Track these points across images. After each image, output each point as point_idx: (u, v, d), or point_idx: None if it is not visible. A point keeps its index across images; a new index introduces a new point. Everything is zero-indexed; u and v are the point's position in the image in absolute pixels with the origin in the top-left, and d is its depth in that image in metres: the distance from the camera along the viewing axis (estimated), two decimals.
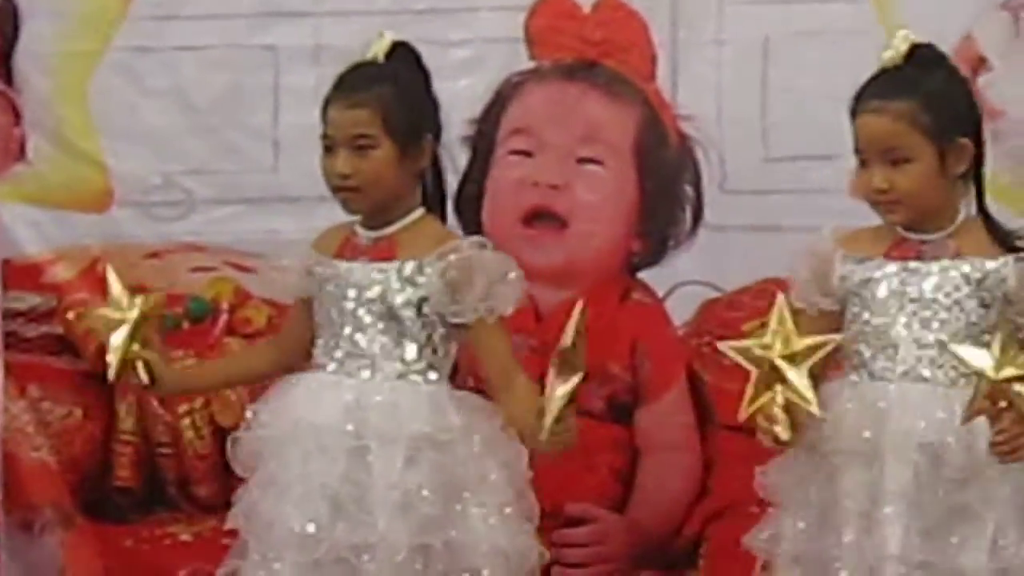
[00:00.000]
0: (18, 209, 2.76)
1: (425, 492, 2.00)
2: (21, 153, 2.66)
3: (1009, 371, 1.66)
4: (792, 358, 1.86)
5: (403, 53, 2.16)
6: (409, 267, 1.97)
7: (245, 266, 2.80)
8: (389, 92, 2.11)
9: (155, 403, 2.72)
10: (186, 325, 2.85)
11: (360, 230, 2.11)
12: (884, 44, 2.34)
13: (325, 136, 2.11)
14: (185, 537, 2.88)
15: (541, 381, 2.52)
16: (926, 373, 1.90)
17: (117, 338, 2.02)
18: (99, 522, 2.80)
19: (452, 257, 1.96)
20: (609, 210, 2.58)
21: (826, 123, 2.38)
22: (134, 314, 2.00)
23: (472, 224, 2.68)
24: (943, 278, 1.90)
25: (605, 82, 2.65)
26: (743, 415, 1.87)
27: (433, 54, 2.42)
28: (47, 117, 2.74)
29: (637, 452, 2.69)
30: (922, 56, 1.92)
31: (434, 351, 2.08)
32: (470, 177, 2.69)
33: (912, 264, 1.93)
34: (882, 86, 1.93)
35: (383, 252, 2.10)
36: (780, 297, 1.92)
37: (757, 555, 2.11)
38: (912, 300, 1.91)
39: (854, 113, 1.93)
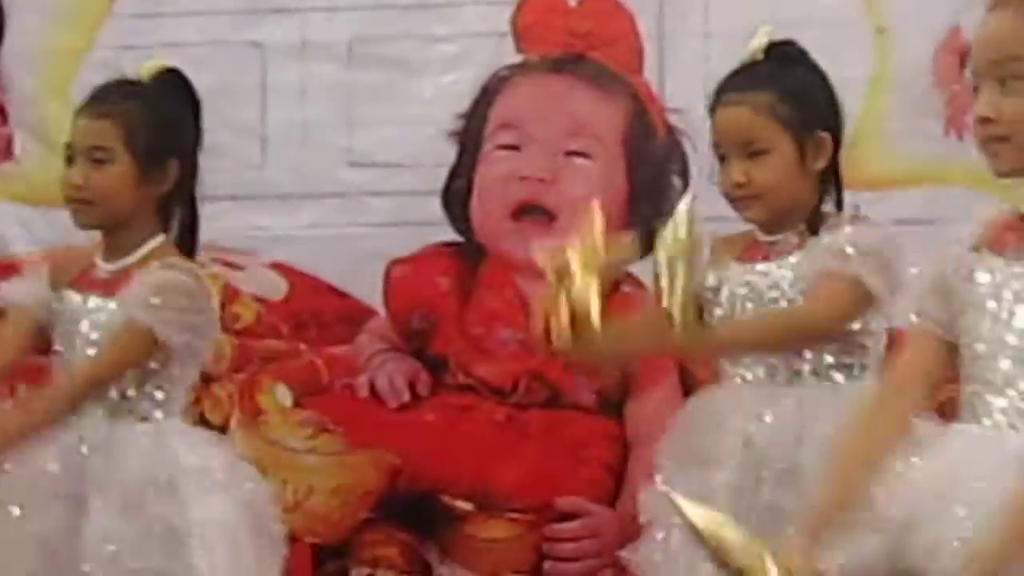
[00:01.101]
0: (6, 207, 2.76)
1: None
2: (8, 152, 2.66)
3: None
4: (588, 266, 1.92)
5: (171, 79, 2.15)
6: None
7: (233, 263, 2.79)
8: (136, 109, 2.09)
9: None
10: None
11: (99, 262, 2.09)
12: (872, 34, 2.45)
13: (68, 146, 2.10)
14: None
15: (534, 373, 2.63)
16: (755, 374, 1.95)
17: None
18: None
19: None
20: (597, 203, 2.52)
21: None
22: None
23: (460, 219, 2.70)
24: (778, 277, 1.94)
25: (592, 75, 2.65)
26: (538, 324, 1.82)
27: (419, 49, 2.56)
28: (33, 115, 2.74)
29: (628, 445, 2.69)
30: (781, 52, 1.94)
31: (159, 387, 2.08)
32: (458, 172, 2.69)
33: (759, 266, 1.95)
34: (740, 80, 1.94)
35: (115, 287, 2.08)
36: (595, 210, 1.98)
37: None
38: (749, 300, 1.95)
39: (712, 109, 1.94)
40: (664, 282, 1.73)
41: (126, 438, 2.01)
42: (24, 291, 2.08)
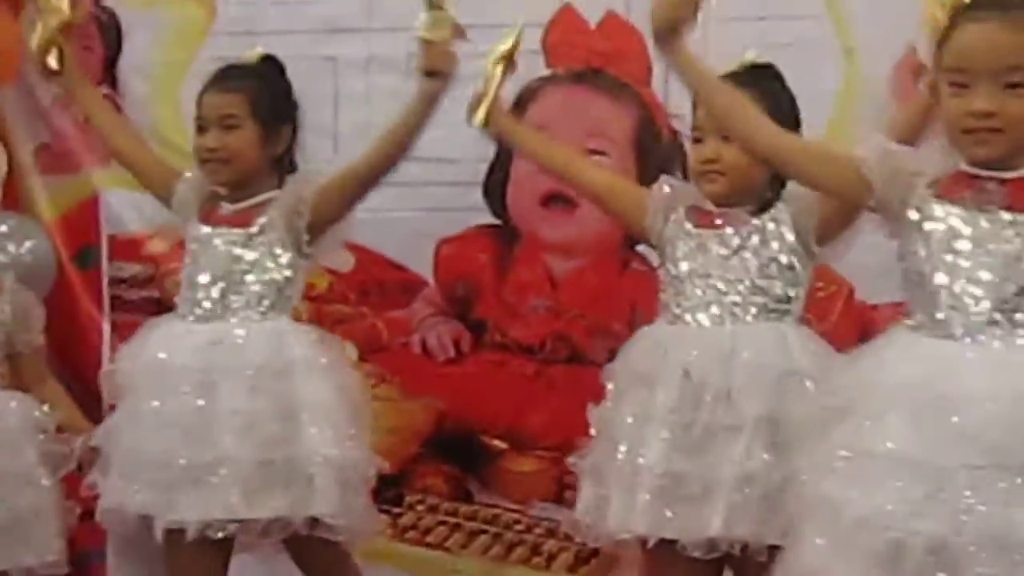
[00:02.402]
0: (121, 193, 3.03)
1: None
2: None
3: None
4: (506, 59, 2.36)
5: (271, 63, 2.42)
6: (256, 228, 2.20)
7: None
8: (256, 84, 2.35)
9: None
10: None
11: (223, 204, 2.32)
12: (841, 54, 2.66)
13: (199, 118, 2.31)
14: None
15: (559, 334, 2.84)
16: (700, 321, 2.11)
17: (47, 26, 2.30)
18: None
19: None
20: None
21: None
22: (65, 14, 2.27)
23: (498, 206, 2.90)
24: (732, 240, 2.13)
25: (608, 87, 2.83)
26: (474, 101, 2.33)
27: (465, 63, 2.50)
28: (145, 116, 2.98)
29: None
30: (761, 70, 2.21)
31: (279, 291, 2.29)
32: (496, 167, 2.85)
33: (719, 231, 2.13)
34: (735, 79, 2.14)
35: (240, 221, 2.32)
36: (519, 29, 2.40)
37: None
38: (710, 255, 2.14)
39: (695, 104, 2.19)
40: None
41: (250, 335, 2.26)
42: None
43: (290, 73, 2.72)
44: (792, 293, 2.08)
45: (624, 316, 2.84)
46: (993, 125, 1.56)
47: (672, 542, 2.04)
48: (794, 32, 2.79)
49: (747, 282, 2.09)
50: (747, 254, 2.09)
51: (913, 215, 1.64)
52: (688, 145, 2.70)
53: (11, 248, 2.76)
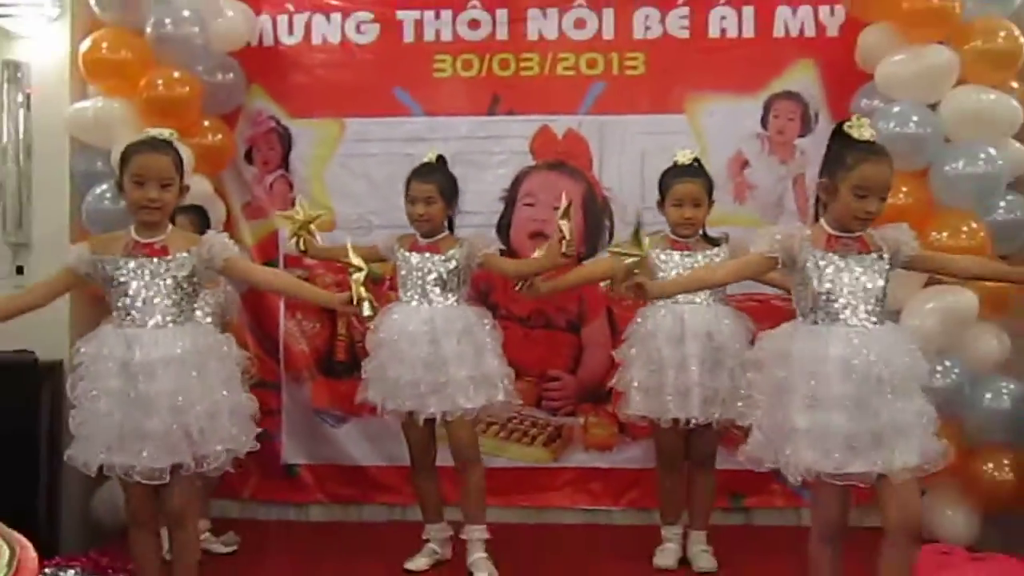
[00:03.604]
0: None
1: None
2: (291, 205, 3.53)
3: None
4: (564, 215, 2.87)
5: (443, 160, 3.14)
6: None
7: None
8: (442, 176, 3.13)
9: (354, 321, 3.85)
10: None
11: (420, 237, 3.07)
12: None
13: (409, 195, 3.08)
14: None
15: (538, 311, 3.61)
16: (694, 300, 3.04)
17: (294, 224, 3.10)
18: (327, 378, 4.03)
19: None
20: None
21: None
22: (302, 218, 3.11)
23: (505, 240, 3.80)
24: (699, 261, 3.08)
25: (569, 172, 3.85)
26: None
27: (487, 157, 3.81)
28: (304, 187, 3.96)
29: (582, 347, 3.89)
30: (696, 162, 3.14)
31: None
32: (504, 217, 3.85)
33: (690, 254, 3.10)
34: (686, 170, 3.13)
35: (433, 248, 3.09)
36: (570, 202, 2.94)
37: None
38: (684, 269, 3.08)
39: (668, 186, 3.11)
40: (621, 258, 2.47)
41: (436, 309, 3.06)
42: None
43: (386, 163, 3.77)
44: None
45: (575, 301, 3.85)
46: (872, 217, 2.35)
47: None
48: (670, 128, 3.85)
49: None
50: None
51: (810, 260, 2.38)
52: (613, 205, 3.77)
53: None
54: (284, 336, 3.97)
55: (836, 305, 2.34)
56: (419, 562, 3.25)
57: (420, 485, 3.26)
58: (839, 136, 2.37)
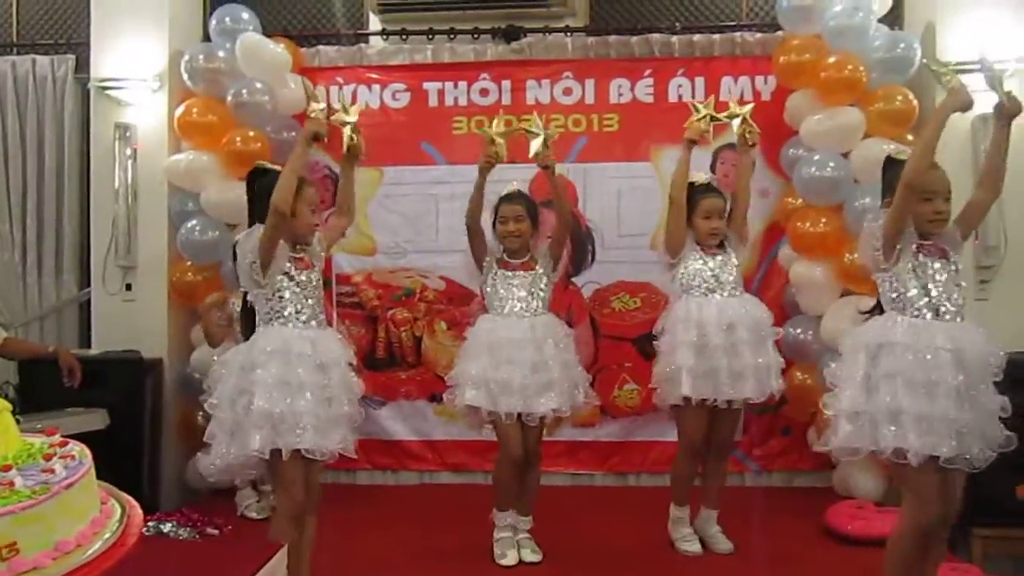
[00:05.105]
0: (341, 255, 4.57)
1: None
2: (343, 235, 3.30)
3: None
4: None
5: (520, 187, 3.31)
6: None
7: (423, 274, 4.59)
8: (527, 199, 3.28)
9: (391, 325, 4.48)
10: (403, 297, 4.58)
11: (510, 259, 3.23)
12: (660, 193, 3.96)
13: (501, 216, 3.19)
14: (403, 376, 4.68)
15: None
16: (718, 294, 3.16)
17: (350, 124, 2.94)
18: (370, 371, 4.58)
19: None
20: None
21: (643, 221, 4.38)
22: (352, 119, 2.94)
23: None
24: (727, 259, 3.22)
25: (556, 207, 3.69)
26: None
27: (494, 199, 3.62)
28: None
29: (576, 341, 3.71)
30: (712, 183, 3.28)
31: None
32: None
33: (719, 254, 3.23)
34: (708, 188, 3.27)
35: (526, 266, 3.26)
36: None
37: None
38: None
39: (697, 202, 3.20)
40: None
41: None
42: None
43: (418, 201, 4.40)
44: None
45: (565, 309, 4.38)
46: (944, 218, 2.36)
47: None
48: (638, 173, 4.46)
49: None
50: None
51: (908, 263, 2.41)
52: (595, 233, 4.31)
53: None
54: None
55: (932, 302, 2.42)
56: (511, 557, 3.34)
57: (517, 479, 3.29)
58: (890, 164, 2.53)
